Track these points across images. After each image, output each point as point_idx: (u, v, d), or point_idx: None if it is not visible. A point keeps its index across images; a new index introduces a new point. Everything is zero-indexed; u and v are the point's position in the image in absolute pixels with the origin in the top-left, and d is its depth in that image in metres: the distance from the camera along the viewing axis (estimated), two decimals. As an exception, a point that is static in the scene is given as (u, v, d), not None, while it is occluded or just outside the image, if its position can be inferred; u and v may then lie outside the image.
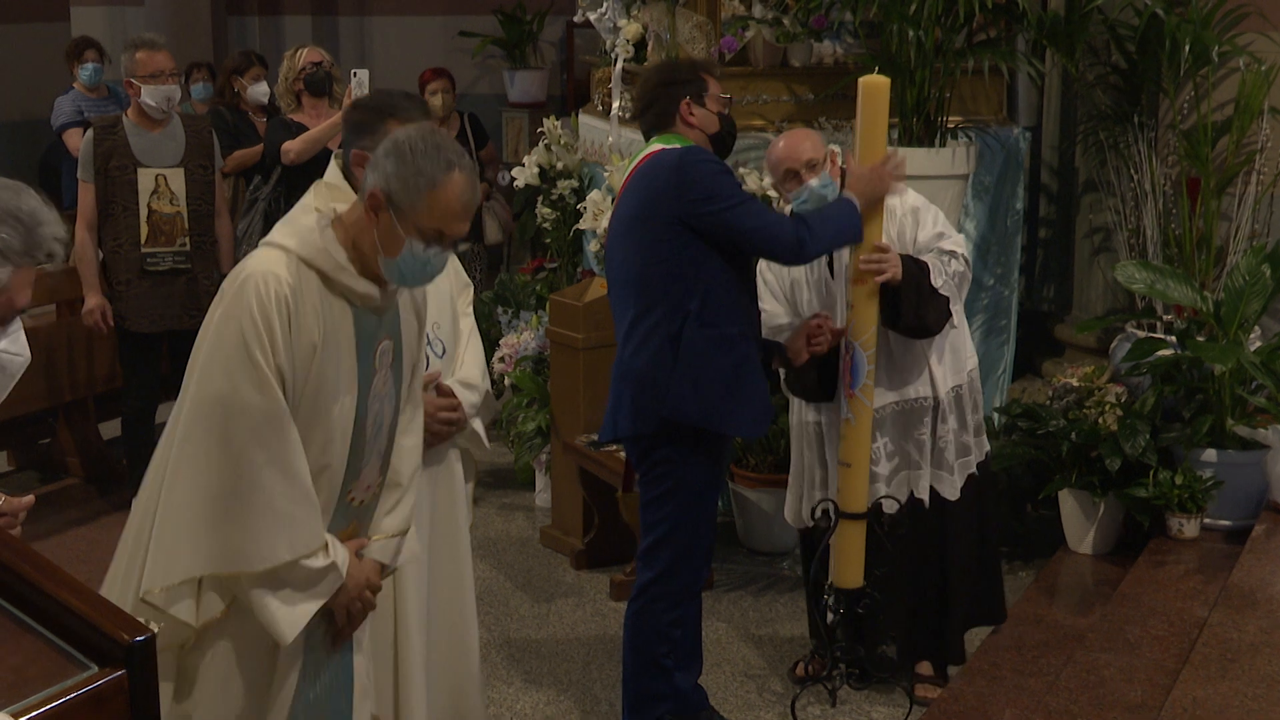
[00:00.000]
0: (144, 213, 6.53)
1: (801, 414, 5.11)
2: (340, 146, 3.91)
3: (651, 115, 4.69)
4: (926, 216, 4.91)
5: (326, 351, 3.20)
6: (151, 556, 3.13)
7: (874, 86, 4.65)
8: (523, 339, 7.09)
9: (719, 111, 4.65)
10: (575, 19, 7.96)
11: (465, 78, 12.20)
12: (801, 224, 4.52)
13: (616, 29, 7.20)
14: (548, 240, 7.99)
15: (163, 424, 3.30)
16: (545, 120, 8.01)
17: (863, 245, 4.66)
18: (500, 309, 7.65)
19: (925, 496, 5.02)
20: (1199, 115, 6.50)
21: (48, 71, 10.53)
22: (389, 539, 3.47)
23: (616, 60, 7.22)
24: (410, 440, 3.52)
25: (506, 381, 7.03)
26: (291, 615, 3.19)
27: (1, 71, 11.08)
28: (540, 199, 7.89)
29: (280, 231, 3.30)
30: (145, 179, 6.54)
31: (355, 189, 3.58)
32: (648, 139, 4.70)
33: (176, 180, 6.59)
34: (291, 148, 7.04)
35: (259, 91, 8.41)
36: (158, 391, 6.85)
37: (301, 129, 7.17)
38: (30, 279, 2.35)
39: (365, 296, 3.26)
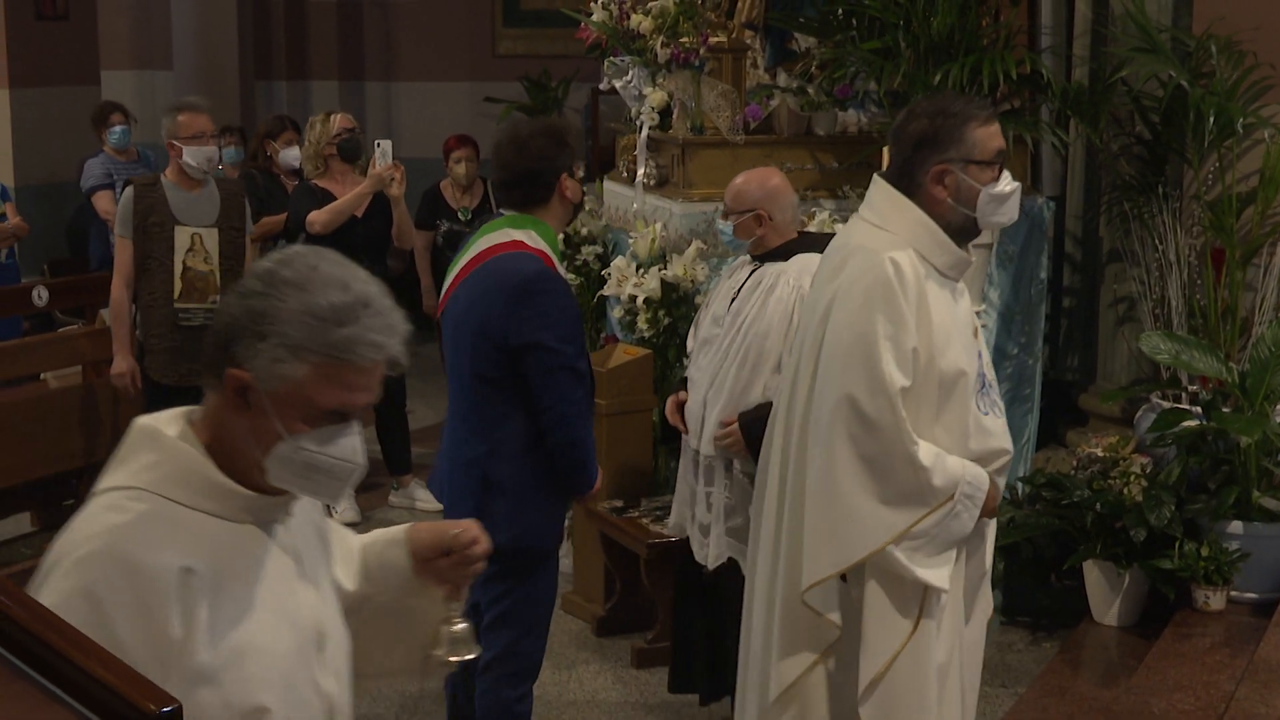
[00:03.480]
0: (178, 269, 6.59)
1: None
2: (900, 166, 3.73)
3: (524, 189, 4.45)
4: None
5: None
6: None
7: (899, 156, 4.66)
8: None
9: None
10: (600, 86, 8.02)
11: (490, 143, 12.28)
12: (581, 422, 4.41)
13: (642, 97, 7.24)
14: (572, 305, 7.99)
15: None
16: (570, 186, 8.04)
17: None
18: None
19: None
20: (1224, 186, 6.50)
21: (76, 135, 10.63)
22: None
23: (642, 128, 7.25)
24: None
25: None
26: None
27: (32, 135, 11.20)
28: (564, 264, 7.92)
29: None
30: (181, 237, 6.60)
31: (925, 206, 3.64)
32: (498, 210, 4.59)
33: (211, 239, 6.65)
34: (317, 219, 7.08)
35: (291, 156, 8.46)
36: None
37: (327, 195, 7.21)
38: (347, 380, 2.17)
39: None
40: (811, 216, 6.46)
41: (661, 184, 7.14)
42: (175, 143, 6.60)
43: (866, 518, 3.60)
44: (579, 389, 4.39)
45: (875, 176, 3.81)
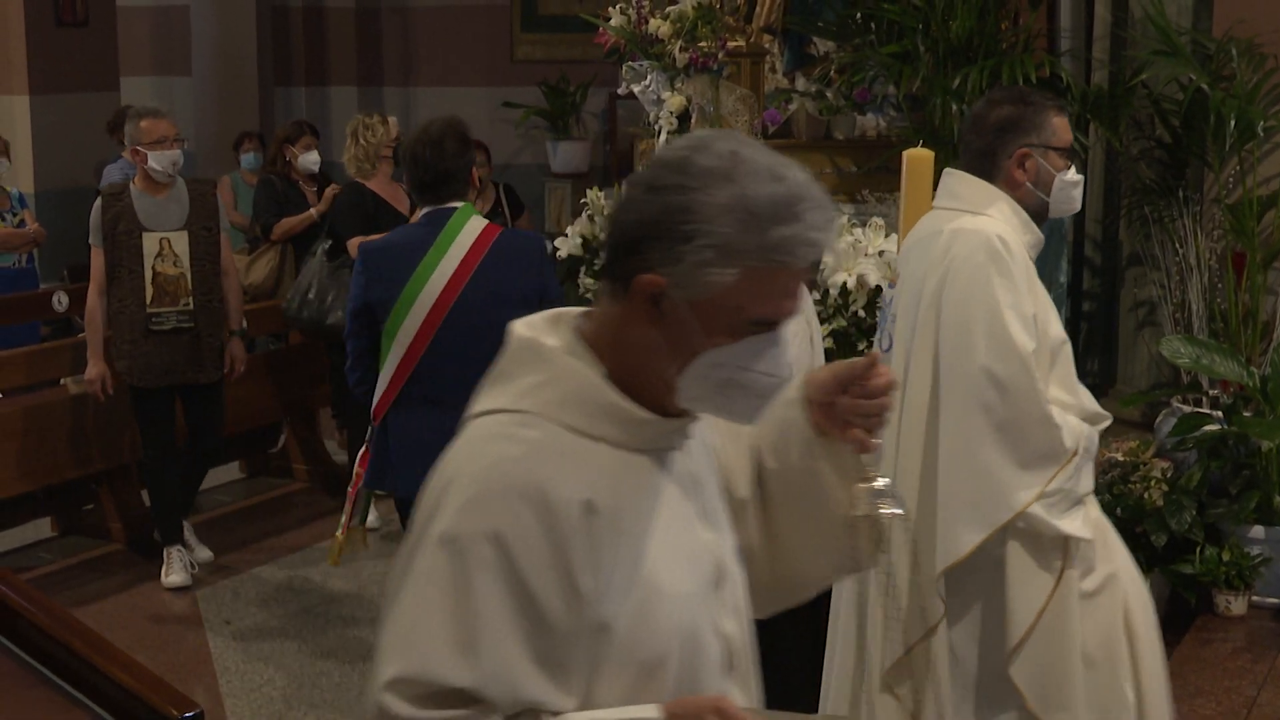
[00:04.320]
0: (149, 274, 6.69)
1: None
2: (981, 151, 3.81)
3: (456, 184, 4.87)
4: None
5: None
6: None
7: (918, 160, 4.65)
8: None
9: None
10: (618, 91, 8.00)
11: (508, 148, 12.32)
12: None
13: (660, 101, 7.24)
14: (590, 309, 7.99)
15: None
16: (588, 191, 8.03)
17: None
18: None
19: None
20: (1244, 189, 6.48)
21: (95, 141, 10.68)
22: None
23: (660, 132, 7.25)
24: None
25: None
26: None
27: (51, 141, 11.25)
28: (583, 269, 7.93)
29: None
30: (149, 242, 6.70)
31: (1004, 190, 3.74)
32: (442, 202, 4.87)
33: (180, 242, 6.74)
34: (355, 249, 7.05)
35: (310, 160, 8.48)
36: (173, 442, 6.94)
37: (378, 199, 7.21)
38: (781, 284, 1.90)
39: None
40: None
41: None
42: (140, 149, 6.71)
43: (1007, 481, 3.64)
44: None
45: (948, 169, 3.91)
